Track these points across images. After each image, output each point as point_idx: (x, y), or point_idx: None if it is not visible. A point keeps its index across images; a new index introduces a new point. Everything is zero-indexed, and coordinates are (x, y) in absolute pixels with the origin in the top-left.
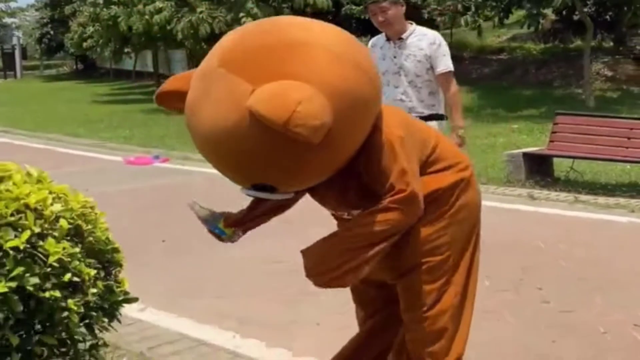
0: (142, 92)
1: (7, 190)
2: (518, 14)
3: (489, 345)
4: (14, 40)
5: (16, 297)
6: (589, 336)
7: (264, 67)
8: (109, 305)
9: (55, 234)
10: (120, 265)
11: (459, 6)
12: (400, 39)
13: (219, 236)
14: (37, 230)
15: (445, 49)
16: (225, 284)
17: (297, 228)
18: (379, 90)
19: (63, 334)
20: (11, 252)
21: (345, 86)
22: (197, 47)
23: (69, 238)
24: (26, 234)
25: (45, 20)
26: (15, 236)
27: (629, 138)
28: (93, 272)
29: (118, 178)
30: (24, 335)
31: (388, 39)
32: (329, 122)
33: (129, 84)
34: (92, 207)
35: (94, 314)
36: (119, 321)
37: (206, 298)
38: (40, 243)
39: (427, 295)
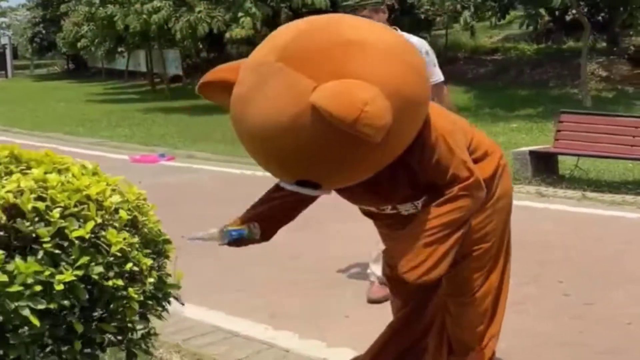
0: (136, 91)
1: (68, 182)
2: (511, 14)
3: (518, 336)
4: (5, 40)
5: (82, 286)
6: (615, 327)
7: (325, 64)
8: (162, 295)
9: (116, 224)
10: (168, 257)
11: (458, 6)
12: None
13: (242, 239)
14: (99, 220)
15: (433, 57)
16: (248, 279)
17: (314, 224)
18: (429, 88)
19: (121, 322)
20: (76, 241)
21: (402, 86)
22: (193, 46)
23: (127, 229)
24: (90, 224)
25: (37, 20)
26: (79, 226)
27: (634, 136)
28: (150, 262)
29: (126, 176)
30: (85, 323)
31: None
32: (390, 122)
33: (122, 83)
34: (144, 199)
35: (149, 302)
36: (168, 312)
37: (232, 293)
38: (102, 233)
39: (474, 281)
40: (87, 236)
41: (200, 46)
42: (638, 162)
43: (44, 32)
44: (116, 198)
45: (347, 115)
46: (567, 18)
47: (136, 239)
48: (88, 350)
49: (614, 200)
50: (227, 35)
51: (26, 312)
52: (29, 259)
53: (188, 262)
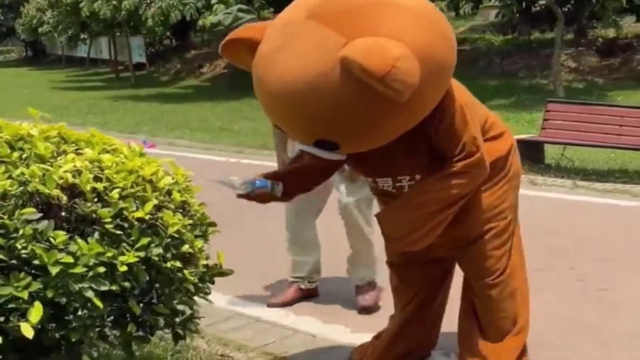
0: (100, 79)
1: (123, 163)
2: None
3: (540, 320)
4: None
5: (144, 267)
6: (636, 312)
7: (358, 22)
8: (209, 277)
9: (171, 205)
10: (207, 240)
11: None
12: None
13: (264, 192)
14: (155, 202)
15: None
16: (258, 266)
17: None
18: (455, 54)
19: (174, 305)
20: (136, 222)
21: (431, 49)
22: (164, 33)
23: (181, 211)
24: (150, 205)
25: None
26: (137, 207)
27: (620, 125)
28: (200, 243)
29: None
30: (142, 305)
31: None
32: (417, 83)
33: (83, 71)
34: (190, 181)
35: (201, 285)
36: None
37: (246, 279)
38: (159, 214)
39: (498, 259)
40: (146, 217)
41: (168, 33)
42: (622, 151)
43: (1, 17)
44: (168, 179)
45: (379, 69)
46: (534, 9)
47: (190, 221)
48: (140, 333)
49: (605, 188)
50: (200, 22)
51: (89, 294)
52: (89, 240)
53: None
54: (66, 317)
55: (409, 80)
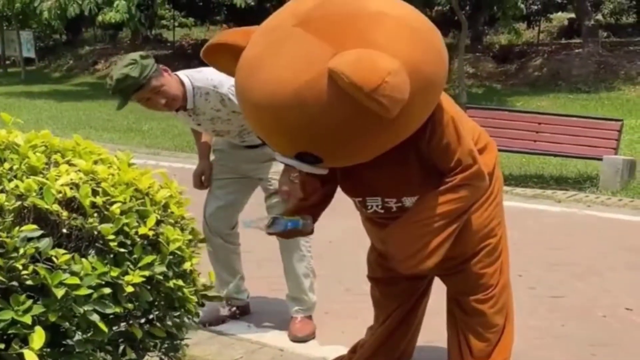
0: None
1: (118, 175)
2: None
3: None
4: None
5: (149, 287)
6: (593, 320)
7: (347, 33)
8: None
9: (171, 220)
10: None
11: None
12: (187, 109)
13: (297, 229)
14: (156, 217)
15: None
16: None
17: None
18: (447, 70)
19: (170, 327)
20: (138, 240)
21: (423, 65)
22: (61, 27)
23: (179, 225)
24: (152, 220)
25: None
26: (138, 223)
27: (537, 132)
28: (197, 260)
29: None
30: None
31: (177, 110)
32: (406, 100)
33: None
34: (181, 194)
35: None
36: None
37: None
38: (161, 230)
39: (491, 276)
40: (150, 234)
41: (61, 28)
42: (534, 156)
43: None
44: (165, 192)
45: (368, 83)
46: (431, 14)
47: (189, 236)
48: (133, 356)
49: (527, 193)
50: (100, 18)
51: (95, 317)
52: (90, 258)
53: None
54: (64, 342)
55: (398, 96)
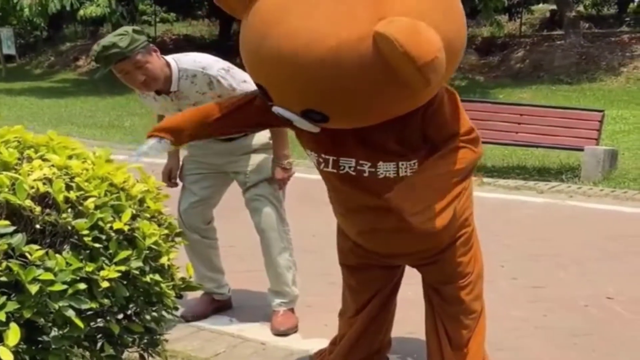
0: None
1: (93, 169)
2: None
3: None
4: None
5: (125, 282)
6: (575, 310)
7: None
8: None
9: (147, 215)
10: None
11: None
12: (169, 92)
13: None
14: (131, 211)
15: (239, 73)
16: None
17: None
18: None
19: (148, 322)
20: (113, 234)
21: (453, 38)
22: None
23: (155, 220)
24: (127, 215)
25: None
26: (113, 218)
27: (519, 123)
28: (174, 254)
29: None
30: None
31: (158, 93)
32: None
33: None
34: (159, 189)
35: (178, 299)
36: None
37: None
38: (136, 225)
39: (467, 264)
40: (125, 228)
41: (42, 25)
42: (516, 148)
43: None
44: (140, 186)
45: (422, 56)
46: None
47: (166, 230)
48: (111, 352)
49: (509, 185)
50: (81, 13)
51: (70, 313)
52: (65, 254)
53: None
54: (40, 339)
55: (440, 72)
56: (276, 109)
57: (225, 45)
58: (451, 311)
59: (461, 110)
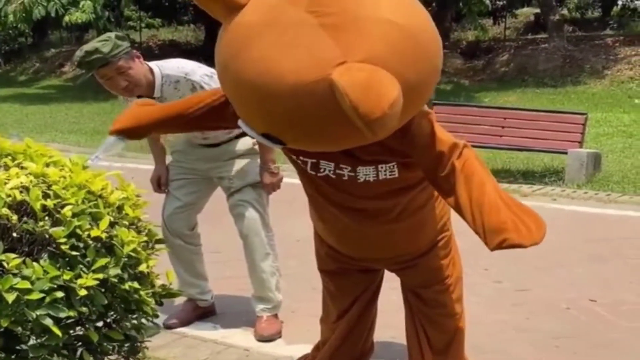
0: None
1: (70, 177)
2: None
3: (467, 323)
4: None
5: (103, 290)
6: (557, 312)
7: (358, 39)
8: (158, 298)
9: (125, 222)
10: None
11: None
12: (154, 97)
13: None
14: (109, 219)
15: (214, 85)
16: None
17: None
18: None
19: (129, 330)
20: (91, 242)
21: (420, 86)
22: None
23: (134, 227)
24: (105, 222)
25: None
26: (91, 225)
27: (502, 127)
28: (154, 261)
29: None
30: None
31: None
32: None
33: None
34: (138, 196)
35: (157, 307)
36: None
37: None
38: (114, 232)
39: (446, 268)
40: (103, 236)
41: (27, 31)
42: (500, 151)
43: None
44: (119, 194)
45: (370, 114)
46: None
47: (144, 238)
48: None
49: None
50: (66, 19)
51: (48, 322)
52: (42, 262)
53: None
54: (19, 347)
55: (391, 124)
56: (240, 124)
57: (211, 51)
58: (431, 314)
59: (444, 133)
